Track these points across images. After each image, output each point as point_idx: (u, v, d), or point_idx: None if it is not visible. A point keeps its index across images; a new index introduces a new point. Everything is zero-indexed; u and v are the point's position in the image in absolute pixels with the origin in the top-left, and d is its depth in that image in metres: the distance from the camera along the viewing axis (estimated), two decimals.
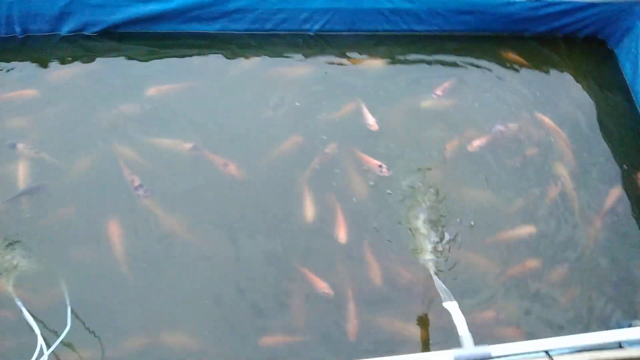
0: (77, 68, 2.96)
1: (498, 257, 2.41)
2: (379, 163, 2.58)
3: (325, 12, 2.99)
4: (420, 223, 2.43)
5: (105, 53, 3.04)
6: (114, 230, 2.33)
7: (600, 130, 2.90)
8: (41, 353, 1.78)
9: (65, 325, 1.95)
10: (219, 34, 3.12)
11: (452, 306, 1.90)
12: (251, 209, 2.46)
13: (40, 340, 1.82)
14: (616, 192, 2.65)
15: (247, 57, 3.06)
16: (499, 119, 2.84)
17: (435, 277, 2.13)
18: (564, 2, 2.92)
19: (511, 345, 1.64)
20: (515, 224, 2.51)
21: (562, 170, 2.68)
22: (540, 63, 3.15)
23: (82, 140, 2.64)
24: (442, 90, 2.90)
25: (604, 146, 2.84)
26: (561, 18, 3.05)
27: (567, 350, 1.66)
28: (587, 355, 1.66)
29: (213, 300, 2.21)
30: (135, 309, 2.19)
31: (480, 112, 2.89)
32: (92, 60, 3.01)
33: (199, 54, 3.08)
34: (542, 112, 2.90)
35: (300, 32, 3.11)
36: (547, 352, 1.64)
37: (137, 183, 2.44)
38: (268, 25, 3.07)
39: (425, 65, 3.09)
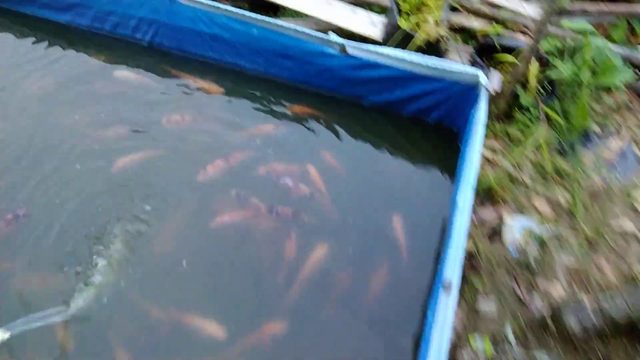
0: None
1: None
2: None
3: (151, 23, 2.91)
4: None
5: None
6: None
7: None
8: None
9: None
10: (69, 26, 3.18)
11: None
12: None
13: None
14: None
15: (88, 55, 3.06)
16: (291, 176, 2.51)
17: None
18: (387, 67, 2.51)
19: None
20: None
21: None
22: (370, 135, 2.75)
23: None
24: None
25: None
26: (393, 89, 2.64)
27: None
28: None
29: None
30: None
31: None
32: None
33: (48, 43, 3.13)
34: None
35: (135, 41, 3.05)
36: None
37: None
38: (107, 26, 3.06)
39: (249, 107, 2.85)
